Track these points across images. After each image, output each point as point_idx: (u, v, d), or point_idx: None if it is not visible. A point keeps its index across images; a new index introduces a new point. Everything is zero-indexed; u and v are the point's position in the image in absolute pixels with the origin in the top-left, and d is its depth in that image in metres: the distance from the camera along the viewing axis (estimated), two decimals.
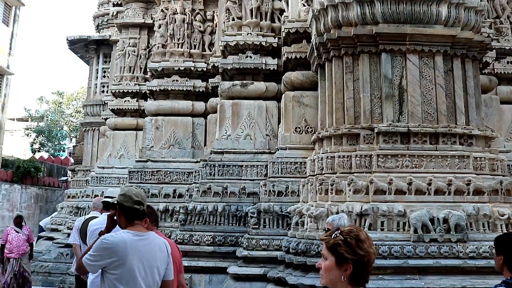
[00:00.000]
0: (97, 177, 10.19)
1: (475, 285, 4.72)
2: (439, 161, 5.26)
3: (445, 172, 5.20)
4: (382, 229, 4.95)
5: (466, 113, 5.56)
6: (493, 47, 6.57)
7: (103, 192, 9.76)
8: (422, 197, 5.08)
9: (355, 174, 5.19)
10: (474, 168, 5.30)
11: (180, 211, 6.93)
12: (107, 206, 5.58)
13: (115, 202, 3.22)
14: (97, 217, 5.51)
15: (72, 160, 22.06)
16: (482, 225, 5.06)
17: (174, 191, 8.35)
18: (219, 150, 7.12)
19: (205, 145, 8.62)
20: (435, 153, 5.26)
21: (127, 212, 3.11)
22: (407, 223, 4.95)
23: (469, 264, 4.82)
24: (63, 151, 40.33)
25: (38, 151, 36.40)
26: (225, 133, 7.21)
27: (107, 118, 11.33)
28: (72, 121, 39.47)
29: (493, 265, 4.74)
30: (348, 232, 2.10)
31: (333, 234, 2.13)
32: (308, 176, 5.84)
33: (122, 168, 9.95)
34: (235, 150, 7.10)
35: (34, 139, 37.91)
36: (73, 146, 21.78)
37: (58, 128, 39.46)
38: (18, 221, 9.41)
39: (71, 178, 15.22)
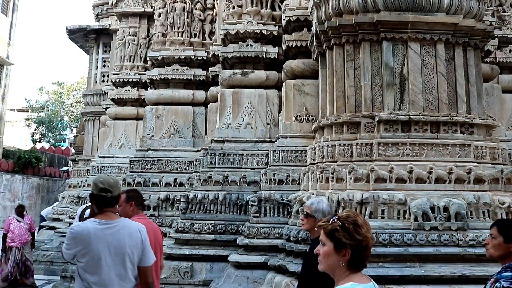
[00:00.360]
0: (98, 167, 10.20)
1: (474, 273, 4.74)
2: (440, 150, 5.25)
3: (446, 161, 5.20)
4: (382, 217, 4.96)
5: (467, 101, 5.54)
6: (496, 35, 6.53)
7: None
8: (422, 186, 5.09)
9: (355, 162, 5.19)
10: (475, 156, 5.30)
11: (181, 200, 6.95)
12: None
13: None
14: None
15: (73, 150, 22.08)
16: (483, 214, 5.07)
17: (175, 180, 8.36)
18: (220, 139, 7.12)
19: (205, 134, 8.62)
20: (436, 142, 5.26)
21: (95, 200, 3.12)
22: (407, 211, 4.96)
23: (469, 252, 4.83)
24: (64, 141, 40.37)
25: (39, 142, 36.44)
26: (226, 122, 7.21)
27: (107, 108, 11.32)
28: (72, 111, 39.46)
29: None
30: (346, 218, 2.14)
31: (331, 220, 2.15)
32: (309, 164, 5.85)
33: (123, 157, 9.96)
34: (235, 139, 7.10)
35: (35, 130, 37.94)
36: (73, 136, 21.79)
37: (59, 119, 39.47)
38: (20, 211, 9.46)
39: (72, 168, 15.24)
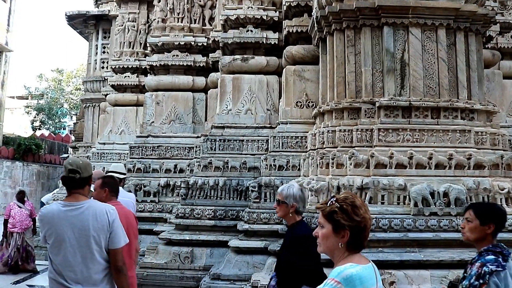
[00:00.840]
0: (98, 153, 10.21)
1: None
2: (440, 135, 5.25)
3: (446, 147, 5.20)
4: (382, 203, 4.98)
5: (468, 87, 5.52)
6: (497, 21, 6.49)
7: (104, 167, 9.80)
8: (422, 171, 5.10)
9: (356, 148, 5.19)
10: (475, 142, 5.30)
11: (181, 186, 6.96)
12: None
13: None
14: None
15: (73, 138, 22.08)
16: (482, 199, 5.07)
17: (175, 166, 8.38)
18: (220, 125, 7.11)
19: (205, 120, 8.60)
20: (436, 127, 5.25)
21: (65, 182, 3.13)
22: (407, 196, 4.97)
23: None
24: (64, 128, 40.36)
25: (39, 129, 36.41)
26: (226, 107, 7.19)
27: (107, 94, 11.30)
28: (72, 99, 39.38)
29: None
30: (344, 199, 2.13)
31: (329, 202, 2.15)
32: (309, 150, 5.85)
33: (123, 144, 9.96)
34: (236, 125, 7.09)
35: (35, 117, 37.89)
36: (73, 123, 21.77)
37: (58, 106, 39.39)
38: (21, 196, 9.49)
39: (72, 155, 15.25)
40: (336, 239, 2.10)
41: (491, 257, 2.73)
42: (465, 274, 2.88)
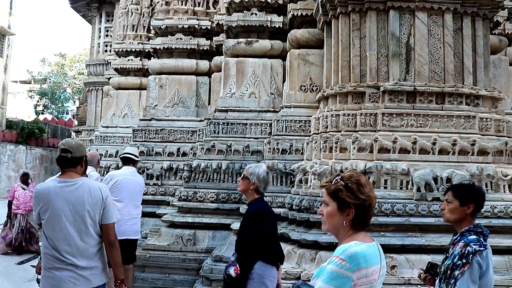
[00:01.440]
0: (101, 136, 10.22)
1: None
2: (445, 121, 5.23)
3: (450, 132, 5.19)
4: (385, 187, 4.98)
5: (474, 73, 5.48)
6: (505, 6, 6.40)
7: (107, 151, 9.83)
8: (426, 157, 5.09)
9: (359, 132, 5.18)
10: (480, 128, 5.28)
11: (184, 169, 6.97)
12: (126, 161, 5.81)
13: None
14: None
15: (76, 122, 22.08)
16: (485, 185, 5.07)
17: (178, 149, 8.38)
18: (223, 108, 7.09)
19: (209, 104, 8.59)
20: (441, 113, 5.23)
21: (58, 161, 3.31)
22: (410, 181, 4.97)
23: None
24: (67, 113, 40.38)
25: (42, 113, 36.46)
26: (230, 91, 7.17)
27: (110, 78, 11.27)
28: (75, 83, 39.34)
29: (494, 224, 4.85)
30: (349, 177, 2.13)
31: (334, 180, 2.15)
32: (312, 134, 5.84)
33: (126, 127, 9.97)
34: (239, 108, 7.07)
35: (38, 101, 37.91)
36: (76, 107, 21.77)
37: (61, 90, 39.38)
38: (25, 179, 9.54)
39: (76, 138, 15.27)
40: (341, 217, 2.11)
41: (474, 237, 2.78)
42: (447, 254, 2.92)
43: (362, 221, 2.12)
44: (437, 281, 2.96)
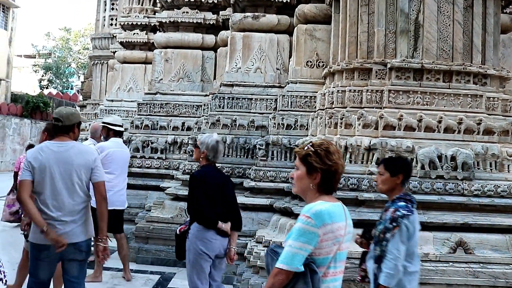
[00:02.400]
0: (106, 110, 10.22)
1: (477, 222, 4.81)
2: (451, 99, 5.20)
3: (456, 111, 5.16)
4: None
5: (482, 52, 5.42)
6: None
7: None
8: (431, 134, 5.07)
9: (365, 108, 5.16)
10: (486, 108, 5.25)
11: (189, 143, 6.98)
12: (118, 134, 5.83)
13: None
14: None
15: (80, 97, 22.06)
16: (490, 165, 5.07)
17: (183, 123, 8.38)
18: (229, 83, 7.06)
19: (214, 78, 8.55)
20: (448, 91, 5.19)
21: (53, 128, 3.67)
22: (414, 159, 4.96)
23: (473, 202, 4.88)
24: (71, 88, 40.37)
25: (46, 88, 36.46)
26: (235, 65, 7.13)
27: (115, 52, 11.22)
28: (79, 58, 39.21)
29: (497, 203, 4.87)
30: (319, 145, 2.31)
31: (306, 147, 2.31)
32: (318, 109, 5.82)
33: (131, 101, 9.96)
34: (245, 83, 7.04)
35: (42, 76, 37.87)
36: (81, 82, 21.72)
37: (66, 65, 39.28)
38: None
39: (80, 112, 15.26)
40: (308, 180, 2.27)
41: (403, 203, 3.13)
42: (380, 220, 3.28)
43: (328, 185, 2.28)
44: (372, 245, 3.30)
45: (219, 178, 4.14)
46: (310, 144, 2.31)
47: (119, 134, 5.89)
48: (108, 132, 5.87)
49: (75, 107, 24.97)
